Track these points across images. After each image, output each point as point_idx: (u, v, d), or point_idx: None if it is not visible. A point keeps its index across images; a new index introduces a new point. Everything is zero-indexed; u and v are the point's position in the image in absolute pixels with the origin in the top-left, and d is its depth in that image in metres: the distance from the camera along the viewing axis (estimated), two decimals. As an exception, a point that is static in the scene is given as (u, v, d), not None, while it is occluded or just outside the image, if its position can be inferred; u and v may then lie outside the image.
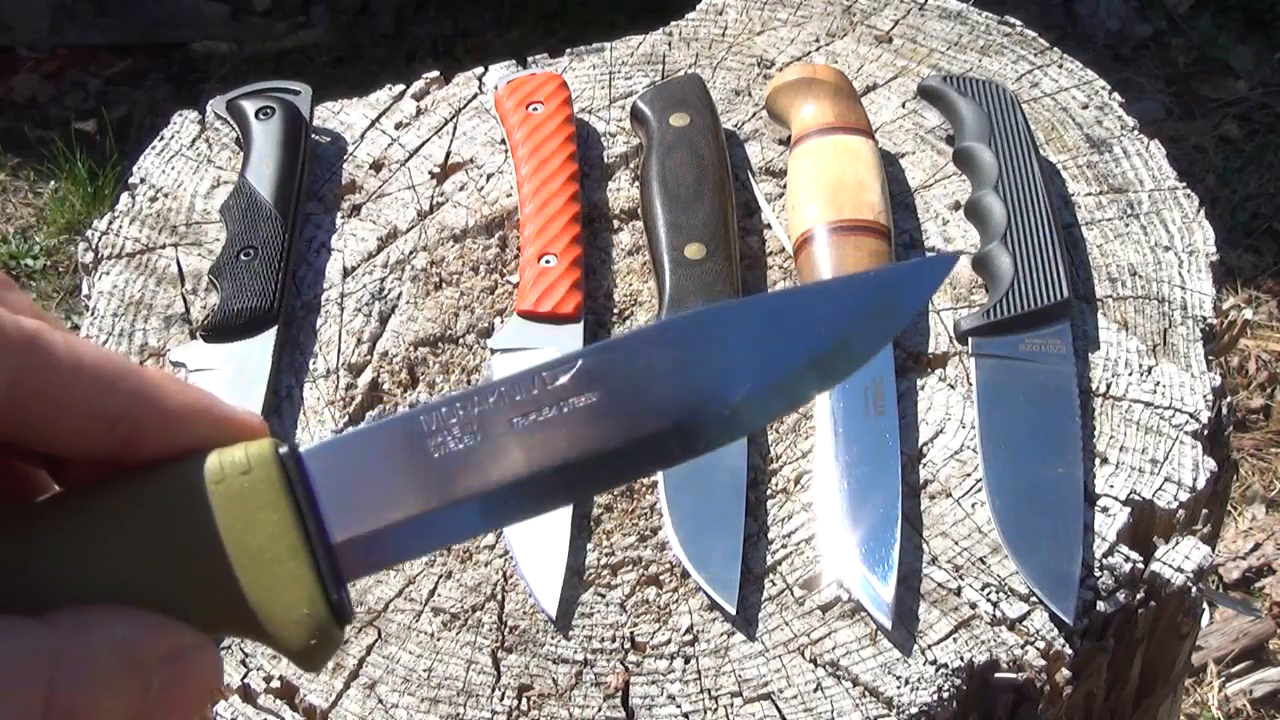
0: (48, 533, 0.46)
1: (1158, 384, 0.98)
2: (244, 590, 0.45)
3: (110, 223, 1.12)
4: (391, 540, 0.48)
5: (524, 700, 0.84)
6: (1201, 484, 0.93)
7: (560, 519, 0.91)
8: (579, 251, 1.04)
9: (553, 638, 0.87)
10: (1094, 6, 3.01)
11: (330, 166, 1.16)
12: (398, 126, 1.18)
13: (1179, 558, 0.90)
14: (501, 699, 0.84)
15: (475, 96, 1.21)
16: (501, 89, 1.16)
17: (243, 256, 1.04)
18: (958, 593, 0.88)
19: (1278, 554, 2.10)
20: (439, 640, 0.87)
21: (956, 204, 1.10)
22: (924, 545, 0.90)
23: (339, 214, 1.12)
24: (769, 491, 0.94)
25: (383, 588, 0.90)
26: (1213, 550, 0.92)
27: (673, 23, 1.27)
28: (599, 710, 0.84)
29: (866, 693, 0.83)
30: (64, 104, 2.94)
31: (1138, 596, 0.89)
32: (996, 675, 0.85)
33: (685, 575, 0.89)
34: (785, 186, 1.10)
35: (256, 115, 1.14)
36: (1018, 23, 1.25)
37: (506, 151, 1.15)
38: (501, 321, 1.04)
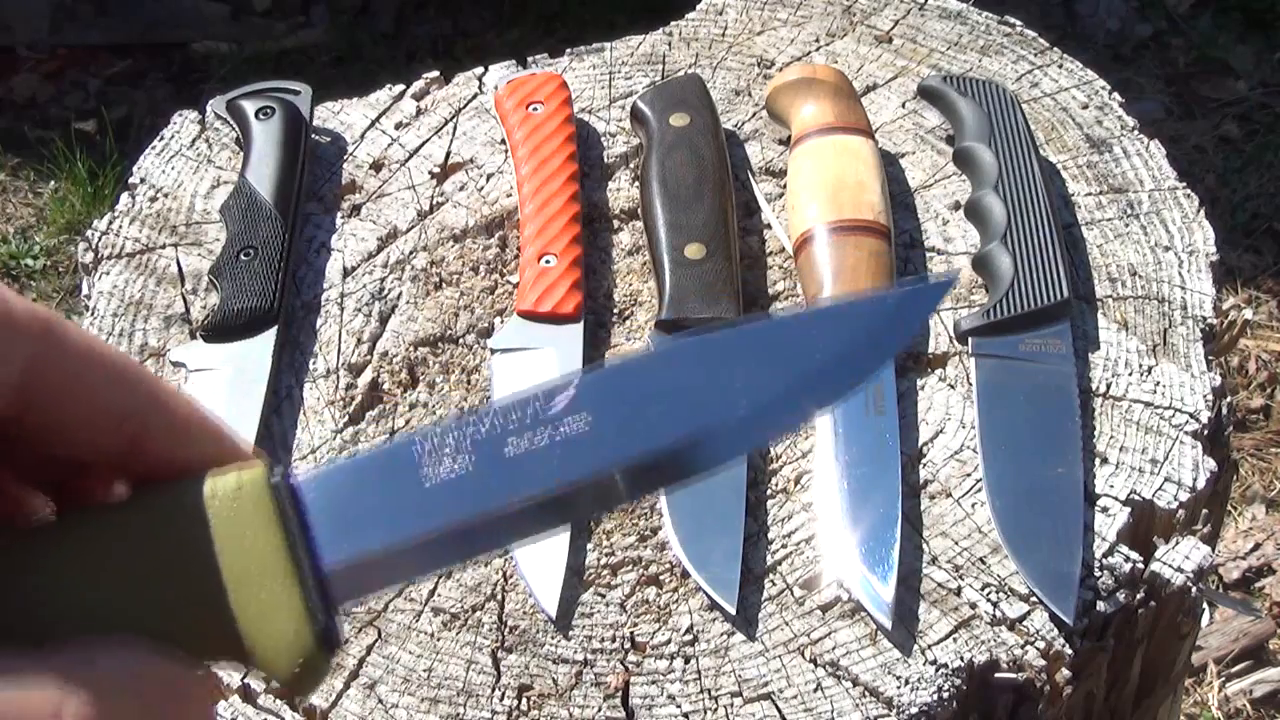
0: (45, 556, 0.46)
1: (1158, 384, 0.98)
2: (234, 616, 0.45)
3: (110, 223, 1.12)
4: (382, 568, 0.48)
5: (524, 700, 0.84)
6: (1201, 484, 0.93)
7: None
8: (579, 251, 1.04)
9: (553, 638, 0.87)
10: (1094, 6, 3.01)
11: (330, 166, 1.16)
12: (398, 126, 1.18)
13: (1179, 558, 0.90)
14: (501, 699, 0.84)
15: (475, 96, 1.21)
16: (501, 89, 1.17)
17: (243, 256, 1.04)
18: (958, 593, 0.88)
19: (1278, 554, 2.10)
20: (439, 640, 0.87)
21: (956, 204, 1.10)
22: (924, 545, 0.90)
23: (339, 214, 1.12)
24: (769, 491, 0.94)
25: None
26: (1213, 550, 0.92)
27: (673, 23, 1.27)
28: (599, 710, 0.84)
29: (866, 693, 0.83)
30: (64, 104, 2.94)
31: (1138, 596, 0.89)
32: (996, 675, 0.85)
33: (685, 575, 0.89)
34: (785, 186, 1.10)
35: (256, 115, 1.14)
36: (1018, 23, 1.25)
37: (506, 151, 1.15)
38: (501, 321, 1.04)
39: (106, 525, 0.47)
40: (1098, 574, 0.88)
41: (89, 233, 1.12)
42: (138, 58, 3.05)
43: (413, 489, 0.48)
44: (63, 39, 3.05)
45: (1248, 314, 1.17)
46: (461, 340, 1.04)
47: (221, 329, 1.01)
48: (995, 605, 0.87)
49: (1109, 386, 0.98)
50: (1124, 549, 0.89)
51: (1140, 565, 0.89)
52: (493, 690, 0.85)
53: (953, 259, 1.07)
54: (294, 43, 3.07)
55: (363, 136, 1.18)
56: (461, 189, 1.13)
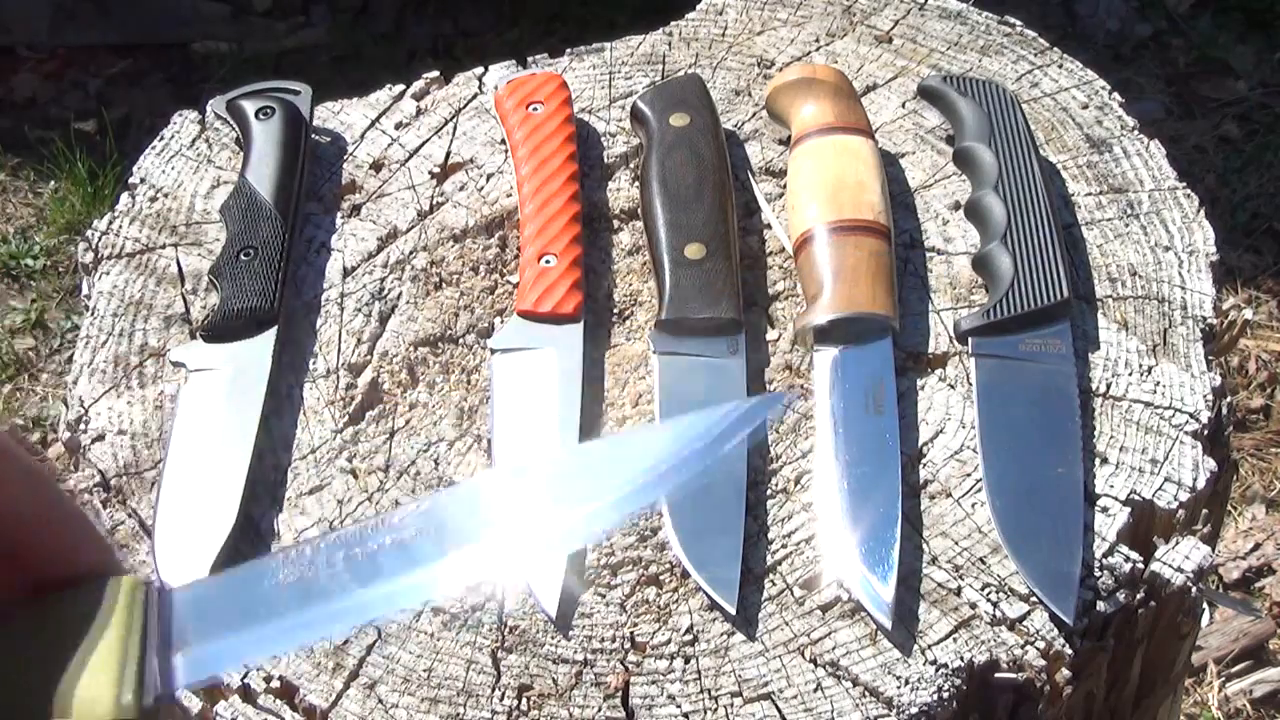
0: None
1: (1158, 384, 0.98)
2: (72, 701, 0.53)
3: (110, 223, 1.12)
4: (218, 658, 0.57)
5: (524, 700, 0.84)
6: (1201, 484, 0.93)
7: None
8: (579, 251, 1.04)
9: (553, 638, 0.87)
10: (1094, 6, 3.01)
11: (330, 166, 1.16)
12: (398, 126, 1.18)
13: (1179, 558, 0.90)
14: (501, 699, 0.84)
15: (475, 96, 1.21)
16: (501, 89, 1.17)
17: (243, 256, 1.04)
18: (958, 593, 0.88)
19: (1278, 554, 2.10)
20: (439, 640, 0.87)
21: (956, 204, 1.10)
22: (924, 545, 0.90)
23: (339, 214, 1.12)
24: (769, 491, 0.94)
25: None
26: (1213, 550, 0.92)
27: (673, 23, 1.27)
28: (599, 710, 0.84)
29: (866, 693, 0.83)
30: (64, 104, 2.94)
31: (1138, 596, 0.89)
32: (996, 675, 0.85)
33: (685, 575, 0.89)
34: (785, 186, 1.10)
35: (256, 115, 1.14)
36: (1018, 23, 1.25)
37: (506, 151, 1.15)
38: (501, 321, 1.04)
39: None
40: (1098, 574, 0.88)
41: (89, 233, 1.12)
42: (138, 58, 3.05)
43: (259, 595, 0.58)
44: (63, 39, 3.05)
45: (1248, 314, 1.16)
46: (461, 340, 1.04)
47: (221, 329, 1.01)
48: (995, 605, 0.87)
49: (1109, 386, 0.98)
50: (1124, 549, 0.89)
51: (1140, 565, 0.89)
52: (493, 690, 0.85)
53: (953, 259, 1.07)
54: (294, 43, 3.07)
55: (363, 136, 1.18)
56: (461, 189, 1.13)
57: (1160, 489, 0.92)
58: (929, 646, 0.85)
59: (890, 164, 1.12)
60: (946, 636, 0.86)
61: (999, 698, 0.86)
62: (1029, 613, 0.86)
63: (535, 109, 1.13)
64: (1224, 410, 0.98)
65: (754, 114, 1.18)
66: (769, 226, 1.10)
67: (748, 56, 1.23)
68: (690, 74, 1.18)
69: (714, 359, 0.98)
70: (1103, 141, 1.15)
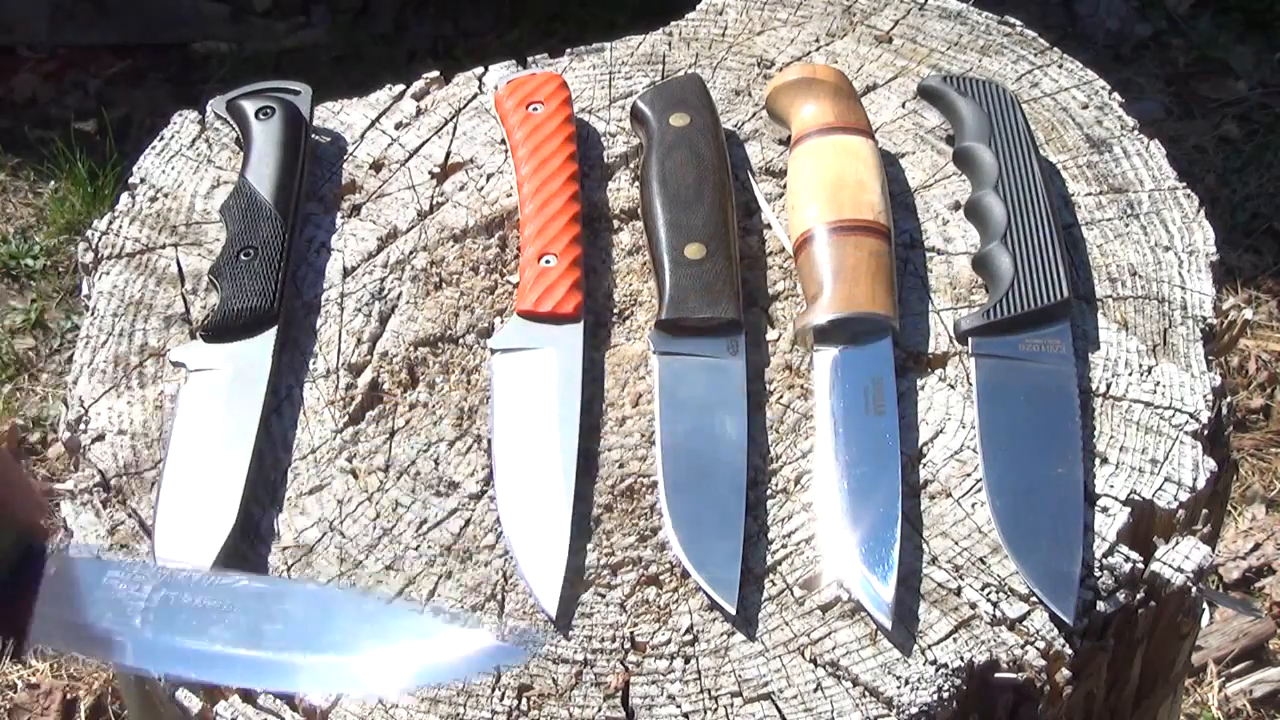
0: None
1: (1158, 384, 0.98)
2: None
3: (110, 223, 1.12)
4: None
5: (524, 700, 0.84)
6: (1201, 484, 0.93)
7: (560, 519, 0.91)
8: (579, 251, 1.04)
9: (553, 638, 0.87)
10: (1094, 6, 3.00)
11: (330, 166, 1.16)
12: (398, 126, 1.18)
13: (1179, 558, 0.90)
14: (501, 699, 0.84)
15: (475, 96, 1.21)
16: (501, 89, 1.16)
17: (243, 256, 1.04)
18: (958, 593, 0.88)
19: (1278, 554, 2.10)
20: (439, 640, 0.87)
21: (956, 204, 1.10)
22: (924, 545, 0.90)
23: (339, 214, 1.12)
24: (769, 491, 0.94)
25: (383, 587, 0.90)
26: (1213, 550, 0.92)
27: (673, 23, 1.27)
28: (599, 710, 0.84)
29: (866, 693, 0.83)
30: (64, 104, 2.94)
31: (1138, 596, 0.89)
32: (996, 675, 0.85)
33: (685, 575, 0.89)
34: (785, 186, 1.10)
35: (256, 115, 1.13)
36: (1018, 23, 1.25)
37: (506, 151, 1.15)
38: (501, 321, 1.04)
39: None
40: (1098, 574, 0.88)
41: (89, 233, 1.12)
42: (138, 58, 3.04)
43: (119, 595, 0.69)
44: (63, 39, 3.05)
45: (1248, 314, 1.17)
46: (461, 340, 1.04)
47: (221, 329, 1.01)
48: (995, 605, 0.87)
49: (1109, 386, 0.98)
50: (1124, 549, 0.89)
51: (1140, 565, 0.89)
52: (493, 690, 0.85)
53: (953, 259, 1.07)
54: (294, 43, 3.07)
55: (363, 136, 1.18)
56: (461, 189, 1.13)
57: (1160, 489, 0.92)
58: (929, 646, 0.85)
59: (890, 164, 1.12)
60: (946, 636, 0.86)
61: (999, 698, 0.86)
62: (1029, 613, 0.86)
63: (535, 109, 1.13)
64: (1224, 410, 0.98)
65: (754, 114, 1.18)
66: (769, 226, 1.10)
67: (748, 56, 1.23)
68: (690, 74, 1.18)
69: (714, 359, 0.98)
70: (1103, 141, 1.15)
